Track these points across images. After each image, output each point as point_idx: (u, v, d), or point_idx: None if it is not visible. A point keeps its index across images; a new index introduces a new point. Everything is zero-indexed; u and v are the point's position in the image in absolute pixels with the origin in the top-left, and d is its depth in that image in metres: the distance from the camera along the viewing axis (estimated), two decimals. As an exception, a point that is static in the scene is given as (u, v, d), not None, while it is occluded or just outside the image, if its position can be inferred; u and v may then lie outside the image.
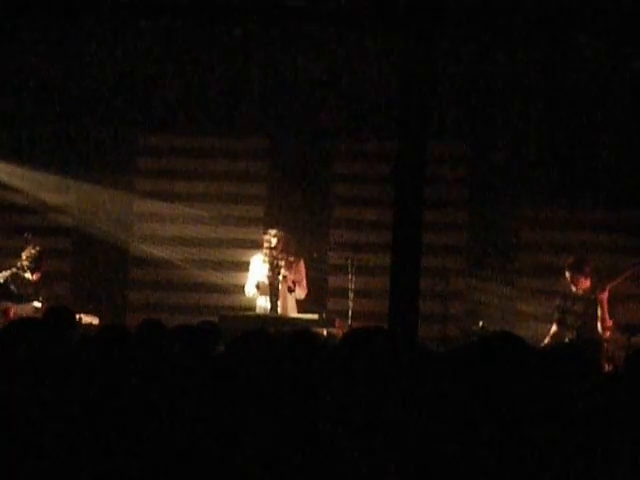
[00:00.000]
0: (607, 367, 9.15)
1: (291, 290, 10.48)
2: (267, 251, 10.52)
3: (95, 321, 10.35)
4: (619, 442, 3.78)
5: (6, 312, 10.42)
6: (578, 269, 10.21)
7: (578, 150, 11.63)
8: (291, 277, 10.50)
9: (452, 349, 4.39)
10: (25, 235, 11.07)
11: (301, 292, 10.62)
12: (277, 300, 10.48)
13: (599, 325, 10.10)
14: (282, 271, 10.42)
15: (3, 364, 4.35)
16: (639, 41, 10.36)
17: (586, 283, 10.22)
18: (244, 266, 11.04)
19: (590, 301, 10.15)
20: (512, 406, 3.54)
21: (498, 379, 3.57)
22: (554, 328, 10.25)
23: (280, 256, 10.50)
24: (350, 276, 10.62)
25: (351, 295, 10.54)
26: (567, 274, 10.24)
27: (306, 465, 3.71)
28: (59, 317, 6.49)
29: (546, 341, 10.12)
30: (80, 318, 9.71)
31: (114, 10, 9.69)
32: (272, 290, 10.48)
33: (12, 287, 10.66)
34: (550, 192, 11.70)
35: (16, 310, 10.45)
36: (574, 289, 10.21)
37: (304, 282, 10.66)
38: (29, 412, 4.12)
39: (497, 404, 3.55)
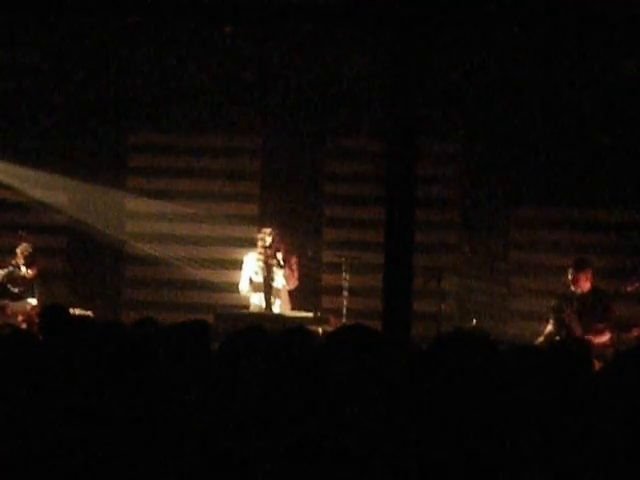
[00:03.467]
0: (598, 364, 9.18)
1: (281, 266, 10.46)
2: (261, 249, 10.54)
3: (89, 315, 10.41)
4: (609, 437, 3.82)
5: (3, 310, 10.46)
6: (581, 268, 10.21)
7: (570, 149, 11.66)
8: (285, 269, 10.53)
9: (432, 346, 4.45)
10: (19, 233, 11.10)
11: (291, 279, 10.58)
12: (271, 298, 10.51)
13: None
14: (276, 254, 10.43)
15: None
16: (633, 40, 10.39)
17: (586, 284, 10.21)
18: (238, 264, 11.06)
19: (588, 301, 10.17)
20: (499, 405, 3.58)
21: (483, 376, 3.61)
22: (549, 328, 10.26)
23: (274, 254, 10.54)
24: (344, 274, 10.66)
25: (345, 293, 10.58)
26: (570, 272, 10.22)
27: (300, 463, 3.74)
28: (54, 315, 6.50)
29: (540, 340, 10.14)
30: (74, 313, 9.78)
31: (108, 8, 9.70)
32: (266, 288, 10.51)
33: (8, 285, 10.69)
34: (542, 191, 11.74)
35: (12, 308, 10.50)
36: (573, 288, 10.20)
37: (296, 273, 10.69)
38: (25, 410, 4.15)
39: (482, 401, 3.58)
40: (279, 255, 10.48)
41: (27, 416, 4.13)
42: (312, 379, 3.97)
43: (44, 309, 6.89)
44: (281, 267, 10.46)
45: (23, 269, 10.78)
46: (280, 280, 10.57)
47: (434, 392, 3.66)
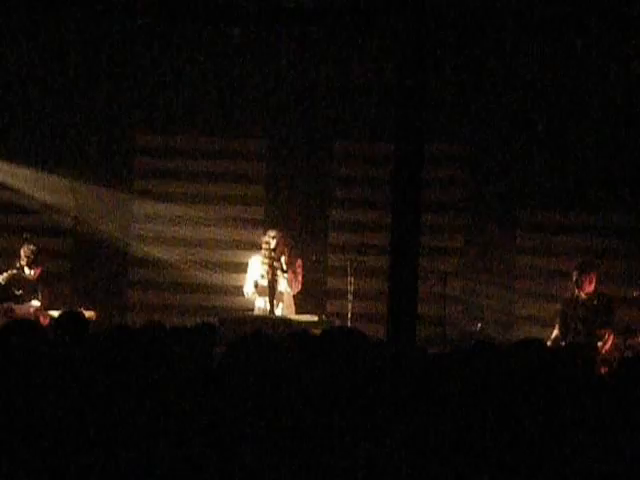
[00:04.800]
0: (603, 370, 9.17)
1: (284, 270, 10.44)
2: (266, 252, 10.52)
3: (93, 316, 10.39)
4: (613, 442, 3.81)
5: (9, 312, 10.46)
6: (585, 271, 10.18)
7: (577, 153, 11.64)
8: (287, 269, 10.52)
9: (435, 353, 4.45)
10: (24, 235, 11.10)
11: (294, 283, 10.56)
12: (274, 301, 10.49)
13: None
14: (281, 258, 10.41)
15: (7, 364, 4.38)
16: (636, 42, 10.38)
17: (590, 287, 10.18)
18: (243, 267, 11.05)
19: (592, 306, 10.14)
20: (503, 408, 3.57)
21: (484, 380, 3.60)
22: (555, 332, 10.23)
23: (279, 258, 10.51)
24: (349, 278, 10.64)
25: (350, 297, 10.56)
26: (574, 275, 10.19)
27: (302, 468, 3.74)
28: (72, 323, 6.50)
29: (548, 345, 10.10)
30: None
31: (113, 10, 9.71)
32: (270, 291, 10.49)
33: (12, 288, 10.69)
34: (548, 195, 11.72)
35: (16, 310, 10.50)
36: (577, 291, 10.17)
37: (300, 277, 10.67)
38: (31, 410, 4.15)
39: (487, 405, 3.57)
40: (282, 258, 10.46)
41: (32, 417, 4.13)
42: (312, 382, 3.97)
43: (62, 316, 6.85)
44: (284, 272, 10.45)
45: (27, 270, 10.79)
46: (284, 283, 10.56)
47: (429, 394, 3.65)
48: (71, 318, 6.55)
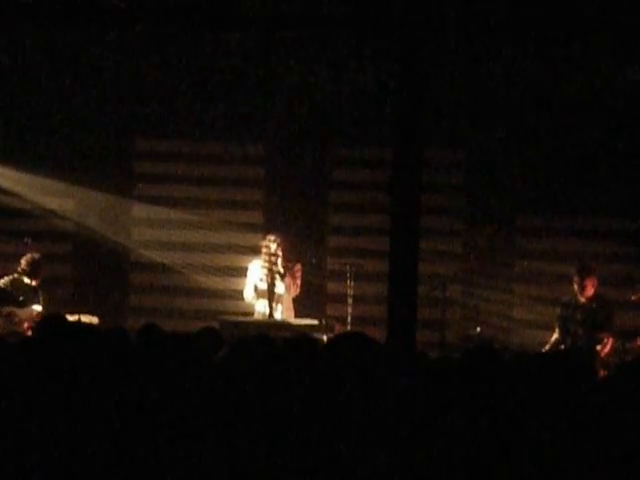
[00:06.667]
0: (602, 373, 9.18)
1: (282, 276, 10.45)
2: (266, 257, 10.53)
3: (95, 321, 10.39)
4: (609, 444, 3.83)
5: (10, 316, 10.46)
6: (587, 274, 10.20)
7: (575, 157, 11.66)
8: (286, 277, 10.53)
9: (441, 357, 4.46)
10: (25, 240, 11.11)
11: (292, 287, 10.58)
12: (275, 305, 10.50)
13: None
14: (279, 263, 10.42)
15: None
16: (634, 50, 10.40)
17: (591, 290, 10.20)
18: (242, 271, 11.07)
19: (591, 309, 10.15)
20: (503, 412, 3.59)
21: (485, 384, 3.62)
22: (555, 336, 10.25)
23: (278, 261, 10.53)
24: (349, 282, 10.66)
25: (350, 301, 10.58)
26: (576, 279, 10.21)
27: (303, 470, 3.75)
28: (52, 325, 6.47)
29: (547, 348, 10.12)
30: (79, 319, 9.77)
31: (112, 15, 9.72)
32: (270, 295, 10.50)
33: (13, 292, 10.69)
34: (547, 199, 11.74)
35: (17, 314, 10.50)
36: (579, 295, 10.18)
37: (298, 281, 10.69)
38: (30, 415, 4.17)
39: (486, 410, 3.59)
40: (279, 261, 10.48)
41: (28, 424, 4.14)
42: (316, 386, 3.98)
43: (43, 319, 6.85)
44: (282, 275, 10.46)
45: (26, 280, 10.79)
46: (282, 287, 10.57)
47: (436, 400, 3.67)
48: (53, 322, 6.52)
